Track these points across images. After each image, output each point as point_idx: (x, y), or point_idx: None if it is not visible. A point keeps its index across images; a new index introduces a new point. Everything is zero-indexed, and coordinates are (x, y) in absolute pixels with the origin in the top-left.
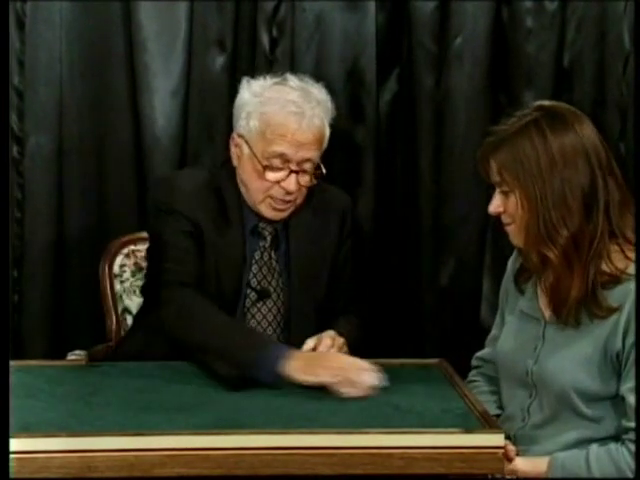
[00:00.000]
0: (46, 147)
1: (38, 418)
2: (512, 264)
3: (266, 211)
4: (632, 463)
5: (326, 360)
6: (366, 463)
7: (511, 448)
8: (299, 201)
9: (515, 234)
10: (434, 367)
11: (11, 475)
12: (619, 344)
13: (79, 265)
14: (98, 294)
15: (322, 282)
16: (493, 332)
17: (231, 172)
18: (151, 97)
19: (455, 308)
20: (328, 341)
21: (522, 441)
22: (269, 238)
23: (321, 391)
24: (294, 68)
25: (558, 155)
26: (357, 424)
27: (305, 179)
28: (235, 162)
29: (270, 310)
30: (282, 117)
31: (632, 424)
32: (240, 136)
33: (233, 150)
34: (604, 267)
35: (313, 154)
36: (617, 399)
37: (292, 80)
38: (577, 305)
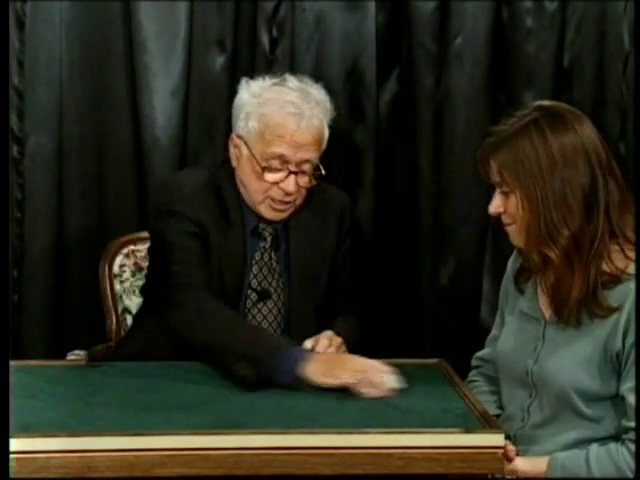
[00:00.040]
0: (46, 147)
1: (38, 418)
2: (512, 264)
3: (265, 212)
4: (632, 463)
5: (345, 362)
6: (366, 463)
7: (511, 448)
8: (298, 202)
9: (516, 234)
10: (434, 367)
11: (11, 475)
12: (619, 344)
13: (79, 265)
14: (98, 294)
15: (322, 282)
16: (493, 332)
17: (230, 172)
18: (151, 97)
19: (455, 308)
20: (325, 341)
21: (522, 441)
22: (269, 239)
23: (321, 391)
24: (294, 68)
25: (558, 155)
26: (357, 424)
27: (304, 180)
28: (234, 163)
29: (270, 311)
30: (281, 118)
31: (632, 424)
32: (239, 137)
33: (232, 151)
34: (604, 267)
35: (312, 155)
36: (617, 399)
37: (291, 81)
38: (578, 305)
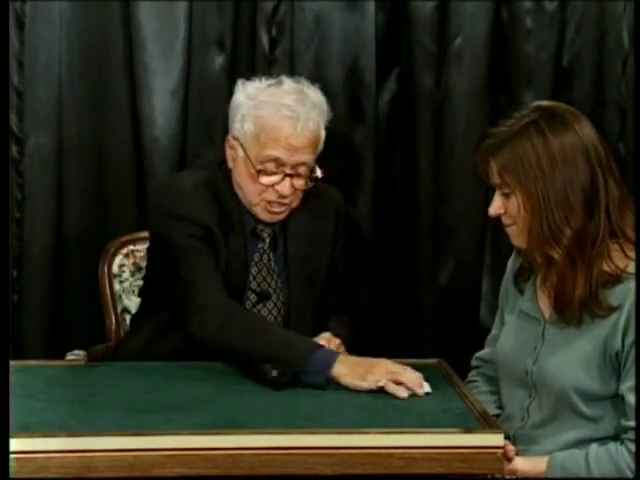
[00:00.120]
0: (45, 147)
1: (37, 418)
2: (512, 264)
3: (261, 214)
4: (631, 463)
5: (375, 364)
6: (366, 463)
7: (510, 448)
8: (295, 204)
9: (517, 235)
10: (433, 367)
11: (11, 475)
12: (619, 343)
13: (78, 265)
14: (97, 294)
15: (320, 282)
16: (493, 332)
17: (228, 174)
18: (150, 97)
19: (454, 308)
20: (322, 343)
21: (521, 441)
22: (268, 240)
23: (321, 391)
24: (293, 68)
25: (559, 155)
26: (357, 424)
27: (300, 183)
28: (230, 164)
29: (270, 312)
30: (276, 121)
31: (631, 423)
32: (235, 138)
33: (228, 152)
34: (605, 266)
35: (308, 158)
36: (617, 398)
37: (287, 83)
38: (580, 305)
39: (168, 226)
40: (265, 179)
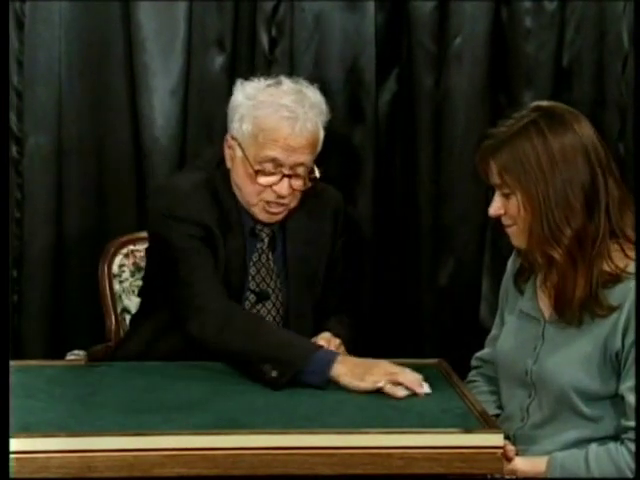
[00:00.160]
0: (45, 147)
1: (37, 418)
2: (512, 264)
3: (259, 214)
4: (631, 463)
5: (374, 366)
6: (366, 463)
7: (510, 448)
8: (293, 204)
9: (517, 236)
10: (433, 367)
11: (11, 475)
12: (619, 343)
13: (78, 265)
14: (97, 294)
15: (319, 283)
16: (493, 332)
17: (226, 174)
18: (150, 97)
19: (454, 308)
20: (322, 343)
21: (521, 441)
22: (266, 240)
23: (321, 391)
24: (293, 68)
25: (558, 155)
26: (357, 424)
27: (298, 183)
28: (229, 164)
29: (269, 312)
30: (275, 122)
31: (631, 423)
32: (233, 138)
33: (227, 152)
34: (605, 266)
35: (306, 158)
36: (616, 398)
37: (286, 83)
38: (580, 305)
39: (167, 227)
40: (263, 179)
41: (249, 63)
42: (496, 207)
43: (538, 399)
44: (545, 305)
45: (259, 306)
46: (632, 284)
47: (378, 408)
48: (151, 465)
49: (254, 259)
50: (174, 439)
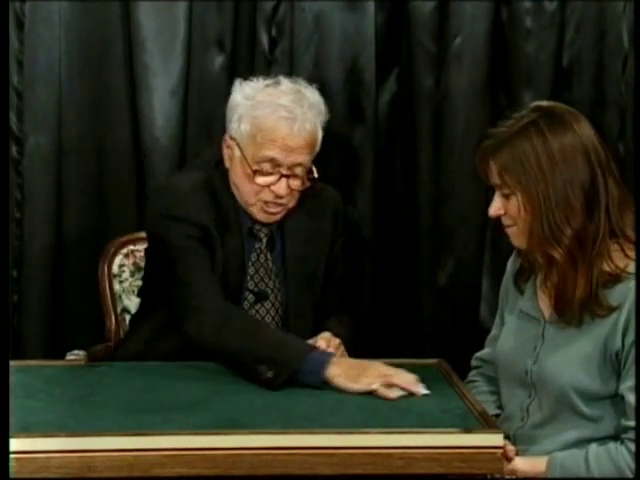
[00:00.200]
0: (45, 147)
1: (37, 418)
2: (511, 264)
3: (258, 214)
4: (631, 462)
5: (368, 367)
6: (366, 463)
7: (510, 448)
8: (291, 204)
9: (517, 236)
10: (433, 367)
11: (11, 475)
12: (618, 343)
13: (78, 265)
14: (97, 294)
15: (318, 282)
16: (493, 332)
17: (225, 173)
18: (150, 97)
19: (454, 308)
20: (322, 343)
21: (521, 441)
22: (265, 240)
23: (321, 391)
24: (293, 68)
25: (558, 155)
26: (357, 424)
27: (296, 183)
28: (227, 164)
29: (268, 312)
30: (273, 122)
31: (631, 423)
32: (232, 138)
33: (225, 152)
34: (605, 266)
35: (304, 158)
36: (616, 398)
37: (284, 83)
38: (581, 305)
39: (165, 227)
40: (261, 179)
41: (249, 63)
42: (496, 207)
43: (538, 399)
44: (545, 305)
45: (258, 306)
46: (632, 284)
47: (378, 408)
48: (151, 465)
49: (252, 259)
50: (174, 439)
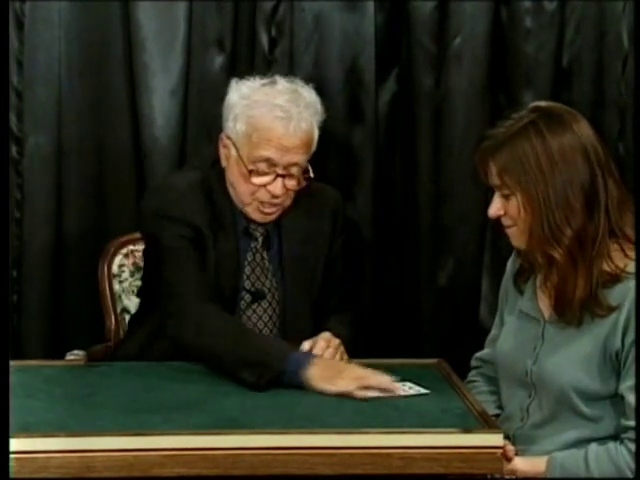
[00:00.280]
0: (45, 147)
1: (37, 418)
2: (511, 264)
3: (253, 213)
4: (631, 462)
5: (344, 370)
6: (366, 463)
7: (510, 448)
8: (287, 204)
9: (517, 236)
10: (433, 367)
11: (11, 475)
12: (618, 343)
13: (78, 265)
14: (97, 294)
15: (317, 282)
16: (493, 332)
17: (221, 173)
18: (150, 97)
19: (454, 308)
20: (322, 343)
21: (521, 441)
22: (260, 239)
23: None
24: (293, 68)
25: (558, 155)
26: (357, 424)
27: (292, 183)
28: (224, 163)
29: (265, 311)
30: (269, 121)
31: (631, 423)
32: (228, 138)
33: (222, 151)
34: (605, 266)
35: (300, 158)
36: (616, 398)
37: (281, 83)
38: (581, 305)
39: (158, 226)
40: (257, 179)
41: (249, 63)
42: (496, 208)
43: (538, 399)
44: (545, 305)
45: (255, 305)
46: (632, 284)
47: (378, 408)
48: (151, 465)
49: (249, 258)
50: (174, 439)
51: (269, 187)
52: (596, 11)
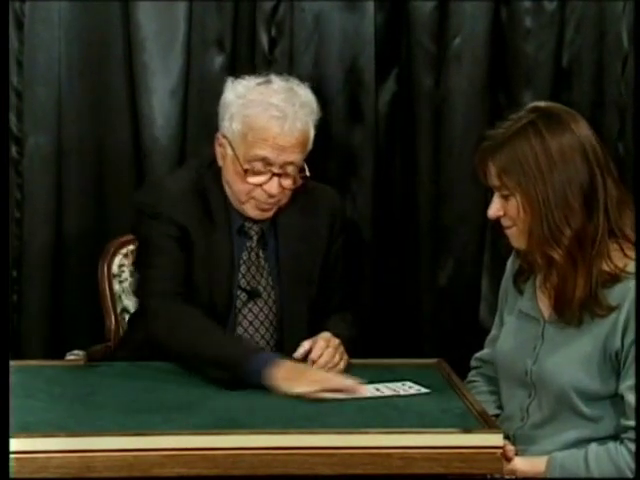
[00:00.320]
0: (45, 147)
1: (37, 418)
2: (511, 265)
3: (250, 211)
4: (631, 462)
5: (305, 373)
6: (366, 463)
7: (510, 448)
8: (283, 202)
9: (516, 237)
10: (433, 367)
11: (11, 475)
12: (618, 343)
13: (78, 265)
14: (97, 294)
15: (313, 281)
16: (492, 332)
17: (217, 172)
18: (150, 97)
19: (454, 308)
20: (322, 343)
21: (521, 441)
22: (255, 237)
23: None
24: (293, 68)
25: (557, 155)
26: (357, 424)
27: (288, 182)
28: (220, 162)
29: (261, 310)
30: (264, 121)
31: (631, 423)
32: (224, 137)
33: (218, 150)
34: (604, 266)
35: (296, 157)
36: (616, 398)
37: (276, 82)
38: (580, 305)
39: (146, 223)
40: (253, 178)
41: (249, 63)
42: (495, 209)
43: (538, 399)
44: (545, 305)
45: (251, 304)
46: (631, 284)
47: (378, 408)
48: (151, 465)
49: (244, 257)
50: (174, 439)
51: (265, 186)
52: (596, 11)
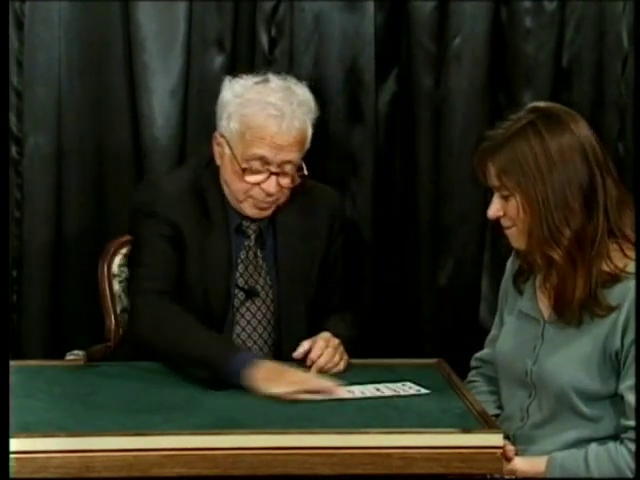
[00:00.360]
0: (45, 147)
1: (37, 418)
2: (511, 265)
3: (248, 210)
4: (631, 462)
5: (284, 374)
6: (366, 463)
7: (510, 448)
8: (282, 201)
9: (516, 237)
10: (433, 367)
11: (11, 475)
12: (618, 343)
13: (78, 265)
14: (97, 294)
15: (312, 281)
16: (492, 332)
17: (215, 172)
18: (150, 97)
19: (454, 308)
20: (321, 343)
21: (521, 441)
22: (253, 237)
23: None
24: (293, 68)
25: (556, 155)
26: (357, 424)
27: (286, 181)
28: (218, 161)
29: (259, 309)
30: (262, 120)
31: (631, 423)
32: (222, 136)
33: (216, 149)
34: (604, 266)
35: (294, 156)
36: (616, 398)
37: (274, 81)
38: (580, 305)
39: (140, 221)
40: (251, 177)
41: (249, 63)
42: (495, 209)
43: (538, 399)
44: (544, 305)
45: (249, 303)
46: (631, 284)
47: (378, 408)
48: (151, 465)
49: (242, 256)
50: (174, 439)
51: (263, 185)
52: (596, 11)
